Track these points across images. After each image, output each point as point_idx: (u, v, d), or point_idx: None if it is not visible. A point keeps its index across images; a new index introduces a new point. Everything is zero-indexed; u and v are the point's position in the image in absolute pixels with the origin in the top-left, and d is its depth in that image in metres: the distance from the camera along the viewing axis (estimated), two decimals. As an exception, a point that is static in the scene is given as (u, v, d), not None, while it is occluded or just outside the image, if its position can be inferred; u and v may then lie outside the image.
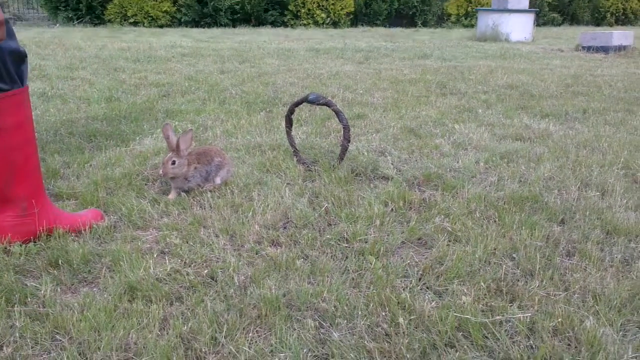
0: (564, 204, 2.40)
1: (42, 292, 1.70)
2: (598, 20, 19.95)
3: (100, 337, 1.48)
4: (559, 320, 1.56)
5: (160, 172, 2.43)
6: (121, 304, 1.64)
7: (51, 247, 1.97)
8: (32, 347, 1.47)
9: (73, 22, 13.83)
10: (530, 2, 12.95)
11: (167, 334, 1.51)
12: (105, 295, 1.69)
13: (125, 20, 13.94)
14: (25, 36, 9.84)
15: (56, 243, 1.99)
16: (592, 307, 1.65)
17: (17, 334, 1.50)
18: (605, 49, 9.02)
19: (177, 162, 2.43)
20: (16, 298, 1.66)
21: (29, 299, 1.66)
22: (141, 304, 1.64)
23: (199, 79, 5.60)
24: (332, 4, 15.59)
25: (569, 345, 1.49)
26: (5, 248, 1.94)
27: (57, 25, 13.47)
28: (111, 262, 1.89)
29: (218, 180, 2.57)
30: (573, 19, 19.40)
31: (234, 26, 14.74)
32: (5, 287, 1.69)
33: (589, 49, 9.29)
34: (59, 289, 1.74)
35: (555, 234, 2.12)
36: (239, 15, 14.94)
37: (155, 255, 1.94)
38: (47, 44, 8.44)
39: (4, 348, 1.45)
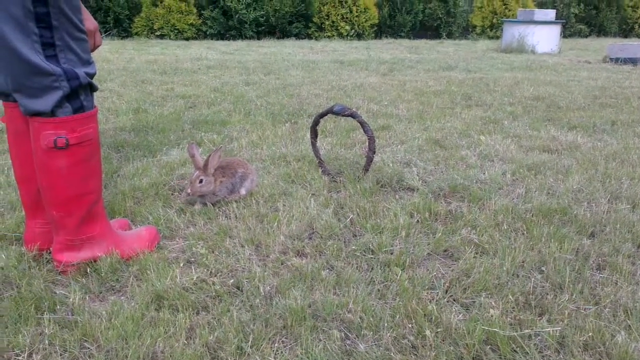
0: (594, 216, 2.36)
1: (71, 300, 1.72)
2: (626, 31, 19.70)
3: (128, 345, 1.49)
4: (590, 334, 1.54)
5: (189, 190, 2.43)
6: (148, 313, 1.65)
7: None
8: (60, 355, 1.48)
9: (101, 35, 14.07)
10: (557, 14, 12.85)
11: (194, 343, 1.52)
12: (133, 304, 1.70)
13: (152, 33, 14.14)
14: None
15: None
16: (624, 322, 1.62)
17: (47, 341, 1.52)
18: (633, 61, 8.90)
19: (204, 181, 2.44)
20: (45, 306, 1.69)
21: (58, 307, 1.69)
22: (168, 312, 1.65)
23: (225, 90, 5.65)
24: (357, 16, 15.64)
25: (600, 360, 1.47)
26: (35, 256, 1.97)
27: (86, 38, 13.70)
28: (138, 271, 1.91)
29: (243, 191, 2.58)
30: (600, 31, 19.18)
31: (258, 38, 14.86)
32: (35, 295, 1.72)
33: (616, 60, 9.17)
34: (87, 297, 1.76)
35: (585, 247, 2.09)
36: (263, 27, 15.05)
37: (181, 265, 1.95)
38: (76, 57, 8.59)
39: (34, 355, 1.47)
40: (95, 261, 1.92)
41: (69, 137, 1.76)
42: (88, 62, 1.80)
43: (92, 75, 1.81)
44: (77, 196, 1.85)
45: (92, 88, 1.83)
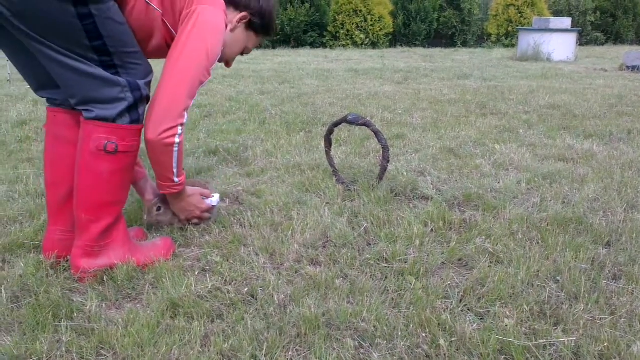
0: (610, 226, 2.35)
1: (88, 307, 1.74)
2: (643, 39, 19.57)
3: (144, 352, 1.51)
4: (605, 344, 1.53)
5: (145, 217, 2.31)
6: (164, 321, 1.67)
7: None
8: (77, 361, 1.50)
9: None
10: (572, 22, 12.79)
11: (209, 351, 1.53)
12: (149, 312, 1.72)
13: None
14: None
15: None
16: (640, 332, 1.61)
17: (64, 349, 1.54)
18: (650, 68, 8.83)
19: (163, 209, 2.30)
20: (63, 313, 1.71)
21: (75, 314, 1.71)
22: (183, 320, 1.66)
23: (240, 99, 5.69)
24: (371, 24, 15.69)
25: (616, 371, 1.46)
26: (53, 264, 2.00)
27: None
28: (154, 279, 1.93)
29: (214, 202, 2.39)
30: (617, 39, 19.06)
31: (273, 47, 14.95)
32: (52, 302, 1.74)
33: (633, 68, 9.10)
34: (104, 305, 1.78)
35: (600, 256, 2.07)
36: (278, 36, 15.16)
37: (196, 273, 1.97)
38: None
39: (51, 361, 1.49)
40: (112, 268, 1.94)
41: (119, 143, 1.84)
42: (147, 73, 1.92)
43: (149, 85, 1.93)
44: (110, 203, 1.91)
45: (147, 100, 1.93)
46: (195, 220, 2.32)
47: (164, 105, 1.89)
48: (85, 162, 1.85)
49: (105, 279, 1.91)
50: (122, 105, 1.82)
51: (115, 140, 1.83)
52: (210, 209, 2.35)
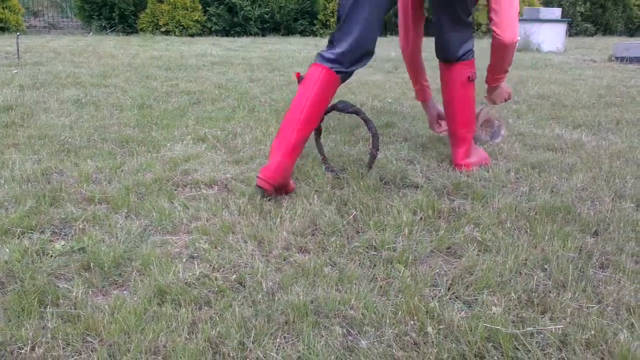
0: (598, 215, 2.36)
1: (74, 294, 1.72)
2: (632, 30, 19.64)
3: (130, 339, 1.50)
4: (592, 332, 1.54)
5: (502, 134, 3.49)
6: (151, 307, 1.65)
7: (84, 250, 2.00)
8: (63, 348, 1.49)
9: (106, 30, 14.05)
10: (562, 12, 12.80)
11: (196, 337, 1.52)
12: (136, 298, 1.71)
13: (157, 29, 14.12)
14: (60, 44, 10.05)
15: (90, 247, 2.02)
16: (626, 320, 1.62)
17: (49, 335, 1.53)
18: (639, 60, 8.86)
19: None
20: (48, 299, 1.69)
21: (61, 301, 1.69)
22: (170, 307, 1.65)
23: (229, 87, 5.65)
24: (362, 13, 15.59)
25: (602, 358, 1.46)
26: (37, 251, 1.98)
27: (91, 33, 13.70)
28: (141, 266, 1.91)
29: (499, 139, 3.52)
30: (606, 30, 19.11)
31: (263, 35, 14.84)
32: (38, 289, 1.72)
33: (622, 59, 9.12)
34: (90, 292, 1.77)
35: (588, 245, 2.08)
36: (268, 24, 15.04)
37: (184, 260, 1.96)
38: (81, 52, 8.61)
39: (36, 348, 1.48)
40: (486, 164, 2.99)
41: (473, 72, 2.93)
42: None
43: None
44: (473, 120, 3.02)
45: None
46: (502, 102, 3.32)
47: (513, 16, 2.73)
48: (461, 92, 2.91)
49: (92, 265, 1.89)
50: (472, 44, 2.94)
51: (473, 72, 2.89)
52: (510, 92, 3.29)
